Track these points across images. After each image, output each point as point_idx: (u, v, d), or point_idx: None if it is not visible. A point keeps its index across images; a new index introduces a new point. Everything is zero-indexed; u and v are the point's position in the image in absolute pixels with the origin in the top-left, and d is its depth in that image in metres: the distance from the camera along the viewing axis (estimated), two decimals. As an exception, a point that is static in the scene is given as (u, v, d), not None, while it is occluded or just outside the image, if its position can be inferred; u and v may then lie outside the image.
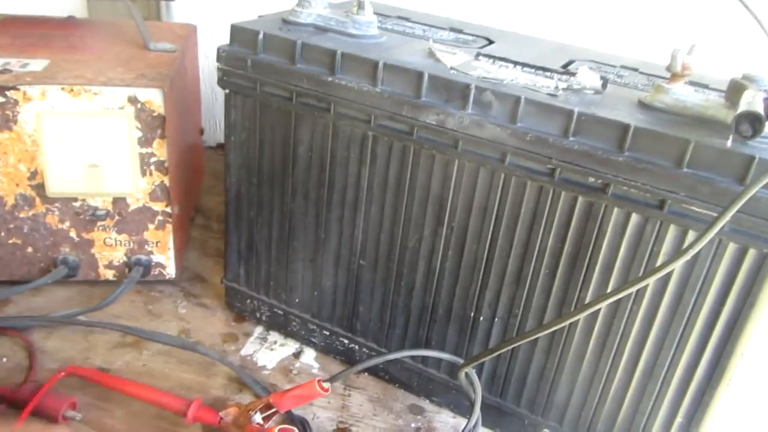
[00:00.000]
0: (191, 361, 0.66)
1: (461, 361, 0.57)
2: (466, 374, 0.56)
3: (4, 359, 0.64)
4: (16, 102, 0.64)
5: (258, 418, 0.53)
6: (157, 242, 0.73)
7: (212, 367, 0.66)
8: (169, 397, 0.58)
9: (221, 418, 0.56)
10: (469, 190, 0.54)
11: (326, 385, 0.53)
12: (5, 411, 0.57)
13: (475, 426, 0.54)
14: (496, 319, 0.57)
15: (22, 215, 0.69)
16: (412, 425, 0.62)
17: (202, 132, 0.98)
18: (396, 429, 0.61)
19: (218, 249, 0.85)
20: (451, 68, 0.54)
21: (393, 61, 0.54)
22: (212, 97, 1.12)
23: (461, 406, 0.63)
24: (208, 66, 1.05)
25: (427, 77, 0.52)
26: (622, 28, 0.84)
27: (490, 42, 0.66)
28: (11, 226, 0.70)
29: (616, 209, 0.49)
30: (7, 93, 0.64)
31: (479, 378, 0.58)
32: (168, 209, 0.71)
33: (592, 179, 0.48)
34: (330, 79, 0.56)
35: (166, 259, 0.74)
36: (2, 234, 0.70)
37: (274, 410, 0.53)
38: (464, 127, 0.52)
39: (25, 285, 0.70)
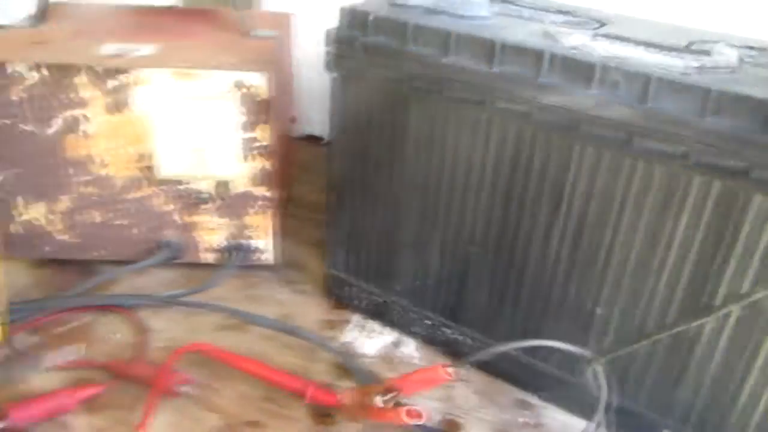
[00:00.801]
0: (293, 345, 0.66)
1: (590, 355, 0.55)
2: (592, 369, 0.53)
3: (118, 335, 0.66)
4: (128, 85, 0.66)
5: (379, 401, 0.52)
6: (257, 227, 0.73)
7: (314, 352, 0.66)
8: (287, 377, 0.58)
9: (338, 400, 0.55)
10: (590, 174, 0.51)
11: (451, 370, 0.51)
12: (118, 385, 0.59)
13: (598, 425, 0.52)
14: (615, 313, 0.54)
15: (129, 197, 0.71)
16: (519, 420, 0.60)
17: (293, 121, 0.98)
18: (502, 422, 0.60)
19: (312, 236, 0.85)
20: (572, 48, 0.52)
21: (510, 42, 0.52)
22: (299, 87, 1.12)
23: (571, 402, 0.60)
24: (297, 56, 1.05)
25: (548, 57, 0.50)
26: (731, 8, 0.80)
27: (603, 24, 0.63)
28: (119, 207, 0.71)
29: (758, 195, 0.45)
30: (120, 77, 0.65)
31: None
32: (269, 194, 0.72)
33: (731, 162, 0.45)
34: (443, 60, 0.54)
35: (265, 244, 0.75)
36: (110, 215, 0.72)
37: (394, 394, 0.53)
38: (588, 108, 0.49)
39: (133, 265, 0.72)
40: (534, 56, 0.51)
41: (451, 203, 0.59)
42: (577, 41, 0.54)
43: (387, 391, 0.54)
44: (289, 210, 0.92)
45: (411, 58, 0.56)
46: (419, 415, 0.49)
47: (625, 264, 0.52)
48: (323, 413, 0.59)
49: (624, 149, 0.49)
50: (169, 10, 0.85)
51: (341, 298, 0.72)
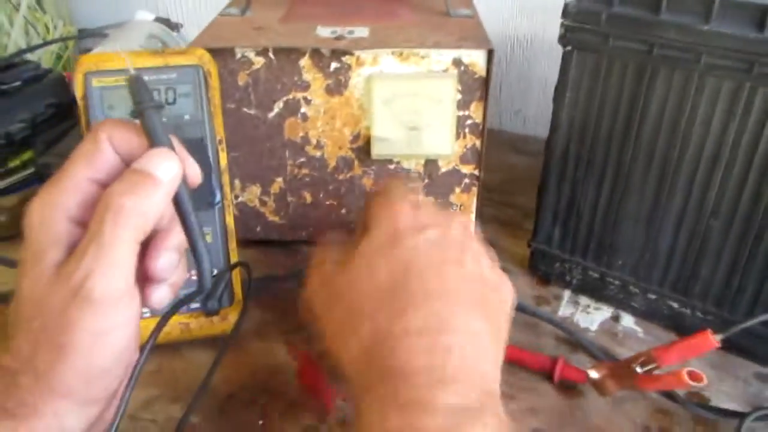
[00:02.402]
0: (514, 320, 0.67)
1: None
2: None
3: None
4: (349, 67, 0.67)
5: (641, 371, 0.52)
6: (461, 205, 0.74)
7: (536, 327, 0.66)
8: (534, 355, 0.59)
9: (588, 376, 0.56)
10: None
11: (717, 338, 0.51)
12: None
13: None
14: None
15: (340, 177, 0.73)
16: (767, 393, 0.59)
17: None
18: (750, 395, 0.59)
19: (494, 215, 0.85)
20: None
21: (784, 6, 0.51)
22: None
23: (818, 375, 0.59)
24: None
25: (833, 19, 0.49)
26: None
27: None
28: (330, 187, 0.73)
29: None
30: (343, 58, 0.66)
31: None
32: (476, 172, 0.72)
33: None
34: (705, 28, 0.53)
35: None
36: (321, 195, 0.74)
37: (654, 365, 0.53)
38: None
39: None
40: (813, 20, 0.50)
41: (695, 176, 0.58)
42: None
43: (647, 362, 0.54)
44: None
45: (664, 28, 0.55)
46: (701, 377, 0.49)
47: None
48: (569, 387, 0.59)
49: None
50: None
51: (549, 274, 0.72)
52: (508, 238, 0.80)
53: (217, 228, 0.62)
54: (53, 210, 0.38)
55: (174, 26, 1.13)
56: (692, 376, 0.49)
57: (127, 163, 0.40)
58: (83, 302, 0.35)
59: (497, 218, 0.85)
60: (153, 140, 0.40)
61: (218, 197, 0.61)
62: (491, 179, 0.93)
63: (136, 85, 0.41)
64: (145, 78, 0.61)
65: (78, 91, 0.59)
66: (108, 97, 0.60)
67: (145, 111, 0.40)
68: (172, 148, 0.40)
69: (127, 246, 0.37)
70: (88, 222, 0.38)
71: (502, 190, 0.91)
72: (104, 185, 0.39)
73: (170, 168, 0.39)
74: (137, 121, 0.41)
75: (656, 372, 0.54)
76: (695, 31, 0.54)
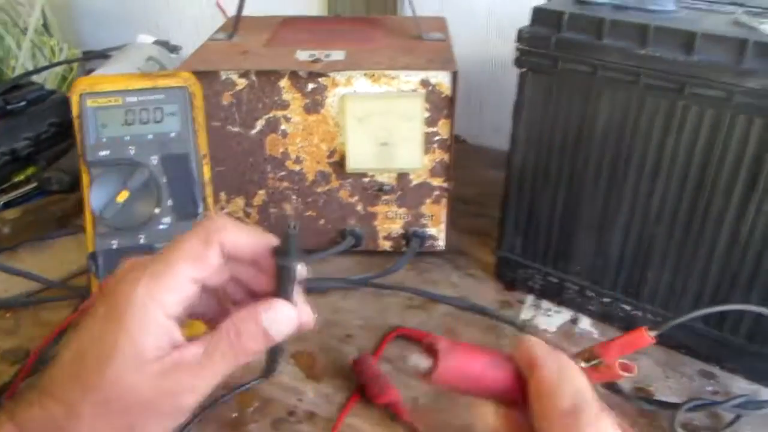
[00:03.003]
0: (475, 322, 0.72)
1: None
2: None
3: (315, 315, 0.72)
4: (325, 87, 0.72)
5: (585, 366, 0.57)
6: (432, 216, 0.79)
7: (496, 329, 0.71)
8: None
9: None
10: (792, 153, 0.55)
11: (652, 334, 0.56)
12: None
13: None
14: (813, 283, 0.57)
15: (319, 190, 0.78)
16: (708, 388, 0.64)
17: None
18: (692, 390, 0.63)
19: (468, 226, 0.90)
20: (768, 35, 0.56)
21: (709, 31, 0.56)
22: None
23: (756, 372, 0.63)
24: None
25: (752, 44, 0.54)
26: None
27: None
28: (309, 200, 0.78)
29: None
30: (319, 80, 0.72)
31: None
32: (445, 185, 0.77)
33: None
34: (642, 52, 0.59)
35: (438, 231, 0.80)
36: (301, 207, 0.79)
37: (597, 361, 0.57)
38: (793, 91, 0.53)
39: (324, 252, 0.78)
40: (735, 44, 0.55)
41: (639, 186, 0.63)
42: None
43: (591, 357, 0.58)
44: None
45: (606, 51, 0.60)
46: (631, 368, 0.53)
47: (826, 237, 0.55)
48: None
49: (829, 128, 0.52)
50: (337, 19, 0.92)
51: (513, 280, 0.77)
52: (480, 247, 0.85)
53: (200, 236, 0.67)
54: (155, 306, 0.39)
55: (173, 48, 1.19)
56: (624, 367, 0.53)
57: (233, 261, 0.42)
58: (175, 408, 0.39)
59: (471, 229, 0.90)
60: (282, 294, 0.42)
61: (200, 208, 0.66)
62: (469, 192, 0.99)
63: (290, 241, 0.41)
64: (135, 99, 0.68)
65: (74, 111, 0.65)
66: (101, 117, 0.66)
67: (294, 268, 0.41)
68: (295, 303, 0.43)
69: (227, 371, 0.40)
70: (181, 315, 0.40)
71: (477, 202, 0.95)
72: (203, 284, 0.41)
73: (288, 328, 0.42)
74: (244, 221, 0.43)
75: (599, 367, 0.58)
76: (633, 54, 0.59)
